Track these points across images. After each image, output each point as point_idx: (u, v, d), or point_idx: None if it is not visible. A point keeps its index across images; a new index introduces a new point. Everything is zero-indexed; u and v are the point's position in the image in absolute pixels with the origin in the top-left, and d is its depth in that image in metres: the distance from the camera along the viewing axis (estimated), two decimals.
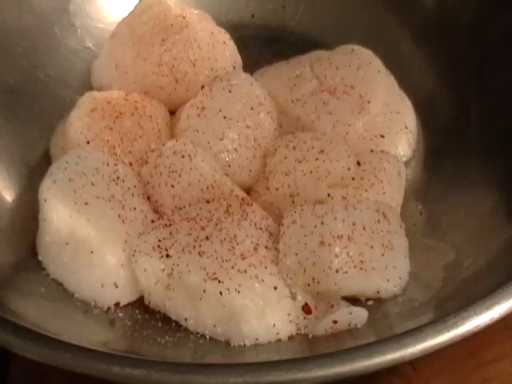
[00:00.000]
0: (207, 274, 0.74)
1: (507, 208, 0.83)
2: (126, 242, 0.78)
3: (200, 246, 0.76)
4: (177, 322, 0.77)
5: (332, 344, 0.74)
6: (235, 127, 0.89)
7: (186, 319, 0.76)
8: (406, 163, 0.92)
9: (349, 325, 0.75)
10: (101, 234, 0.78)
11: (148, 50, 0.94)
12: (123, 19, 0.99)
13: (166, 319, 0.78)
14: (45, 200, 0.79)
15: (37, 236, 0.82)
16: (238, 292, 0.73)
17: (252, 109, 0.91)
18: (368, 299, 0.79)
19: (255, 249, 0.77)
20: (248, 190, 0.88)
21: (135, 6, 0.99)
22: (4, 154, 0.90)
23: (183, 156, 0.86)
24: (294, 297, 0.77)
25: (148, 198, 0.85)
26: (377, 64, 0.94)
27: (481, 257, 0.79)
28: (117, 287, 0.78)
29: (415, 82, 0.98)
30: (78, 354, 0.65)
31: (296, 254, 0.77)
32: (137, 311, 0.79)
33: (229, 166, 0.88)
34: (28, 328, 0.67)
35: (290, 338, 0.76)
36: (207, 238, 0.77)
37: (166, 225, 0.80)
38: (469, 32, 0.97)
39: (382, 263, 0.77)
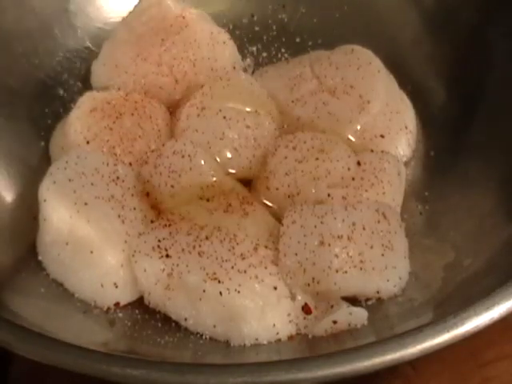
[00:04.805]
0: (207, 274, 0.74)
1: (507, 208, 0.82)
2: (125, 242, 0.78)
3: (200, 245, 0.76)
4: (177, 322, 0.77)
5: (332, 344, 0.74)
6: (235, 127, 0.89)
7: (185, 319, 0.76)
8: (406, 163, 0.92)
9: (349, 325, 0.75)
10: (100, 234, 0.78)
11: (148, 49, 0.94)
12: (123, 19, 0.99)
13: (166, 319, 0.78)
14: (44, 200, 0.79)
15: (37, 236, 0.82)
16: (238, 292, 0.73)
17: (252, 109, 0.91)
18: (368, 299, 0.79)
19: (255, 249, 0.77)
20: (248, 189, 0.88)
21: (135, 6, 0.99)
22: (4, 153, 0.90)
23: (183, 156, 0.86)
24: (293, 297, 0.77)
25: (147, 197, 0.85)
26: (377, 64, 0.94)
27: (481, 257, 0.79)
28: (117, 287, 0.78)
29: (415, 82, 0.98)
30: (79, 354, 0.65)
31: (296, 254, 0.77)
32: (137, 311, 0.79)
33: (229, 165, 0.88)
34: (28, 328, 0.67)
35: (290, 338, 0.76)
36: (207, 238, 0.77)
37: (165, 225, 0.79)
38: (469, 31, 0.97)
39: (382, 263, 0.77)
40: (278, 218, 0.83)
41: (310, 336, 0.76)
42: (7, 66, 0.95)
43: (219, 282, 0.74)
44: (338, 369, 0.63)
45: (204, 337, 0.76)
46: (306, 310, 0.77)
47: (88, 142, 0.87)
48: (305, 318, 0.77)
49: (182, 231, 0.78)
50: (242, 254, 0.76)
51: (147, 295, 0.78)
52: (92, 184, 0.81)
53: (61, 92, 0.98)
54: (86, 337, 0.74)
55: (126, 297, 0.79)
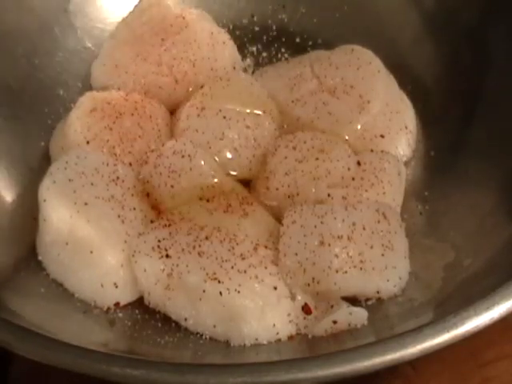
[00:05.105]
0: (207, 274, 0.74)
1: (508, 207, 0.82)
2: (125, 242, 0.78)
3: (200, 246, 0.76)
4: (177, 322, 0.77)
5: (332, 344, 0.74)
6: (235, 127, 0.89)
7: (185, 319, 0.76)
8: (406, 163, 0.92)
9: (349, 325, 0.75)
10: (100, 234, 0.77)
11: (148, 50, 0.94)
12: (123, 19, 0.99)
13: (166, 319, 0.78)
14: (44, 200, 0.79)
15: (37, 236, 0.82)
16: (238, 292, 0.73)
17: (252, 109, 0.90)
18: (368, 299, 0.79)
19: (255, 249, 0.77)
20: (248, 189, 0.88)
21: (135, 7, 0.99)
22: (4, 153, 0.90)
23: (183, 156, 0.86)
24: (293, 297, 0.77)
25: (148, 197, 0.85)
26: (377, 64, 0.94)
27: (481, 257, 0.79)
28: (116, 287, 0.78)
29: (415, 82, 0.98)
30: (79, 354, 0.65)
31: (296, 254, 0.77)
32: (137, 311, 0.79)
33: (229, 165, 0.88)
34: (28, 328, 0.67)
35: (290, 338, 0.76)
36: (207, 238, 0.77)
37: (165, 225, 0.79)
38: (469, 32, 0.97)
39: (382, 263, 0.77)
40: (278, 218, 0.83)
41: (309, 336, 0.76)
42: (7, 66, 0.95)
43: (219, 282, 0.74)
44: (338, 369, 0.63)
45: (204, 337, 0.76)
46: (306, 310, 0.77)
47: (88, 142, 0.87)
48: (305, 318, 0.77)
49: (181, 231, 0.78)
50: (241, 254, 0.76)
51: (147, 295, 0.78)
52: (92, 184, 0.81)
53: (61, 92, 0.98)
54: (86, 337, 0.74)
55: (126, 297, 0.79)
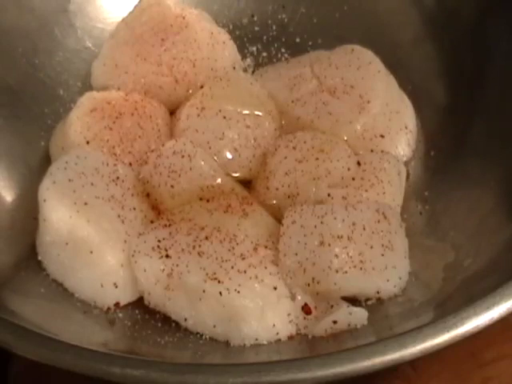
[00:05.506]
0: (207, 274, 0.74)
1: (508, 207, 0.82)
2: (125, 242, 0.78)
3: (200, 246, 0.76)
4: (177, 322, 0.77)
5: (332, 344, 0.74)
6: (235, 127, 0.89)
7: (185, 319, 0.76)
8: (406, 163, 0.92)
9: (348, 325, 0.75)
10: (100, 234, 0.77)
11: (148, 50, 0.94)
12: (123, 19, 0.99)
13: (166, 319, 0.78)
14: (44, 200, 0.79)
15: (37, 236, 0.82)
16: (238, 292, 0.73)
17: (252, 109, 0.90)
18: (368, 299, 0.79)
19: (255, 249, 0.77)
20: (248, 189, 0.88)
21: (135, 6, 0.99)
22: (4, 153, 0.90)
23: (183, 156, 0.86)
24: (293, 297, 0.77)
25: (148, 197, 0.85)
26: (377, 64, 0.94)
27: (481, 257, 0.79)
28: (116, 287, 0.78)
29: (415, 82, 0.98)
30: (78, 354, 0.65)
31: (296, 254, 0.77)
32: (137, 311, 0.79)
33: (229, 165, 0.88)
34: (28, 328, 0.67)
35: (290, 338, 0.76)
36: (207, 238, 0.77)
37: (165, 225, 0.79)
38: (469, 31, 0.97)
39: (382, 263, 0.77)
40: (278, 218, 0.83)
41: (309, 336, 0.76)
42: (7, 66, 0.95)
43: (219, 282, 0.74)
44: (338, 369, 0.63)
45: (204, 337, 0.76)
46: (306, 310, 0.77)
47: (88, 142, 0.87)
48: (305, 318, 0.77)
49: (181, 231, 0.78)
50: (241, 254, 0.76)
51: (147, 295, 0.78)
52: (92, 184, 0.81)
53: (61, 92, 0.98)
54: (86, 337, 0.74)
55: (125, 297, 0.79)
